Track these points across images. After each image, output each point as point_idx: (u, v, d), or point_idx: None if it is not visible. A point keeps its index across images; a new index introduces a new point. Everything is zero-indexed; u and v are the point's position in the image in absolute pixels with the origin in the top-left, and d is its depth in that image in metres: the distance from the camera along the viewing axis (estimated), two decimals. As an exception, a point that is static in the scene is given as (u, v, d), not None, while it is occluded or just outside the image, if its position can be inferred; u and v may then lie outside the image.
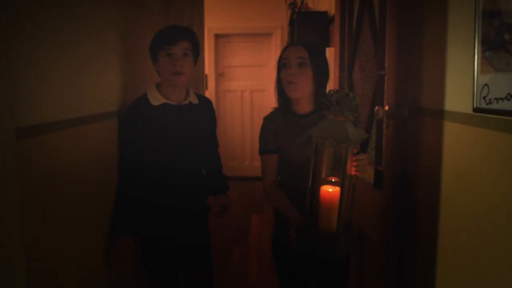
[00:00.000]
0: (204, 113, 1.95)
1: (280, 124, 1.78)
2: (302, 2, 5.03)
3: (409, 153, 1.90)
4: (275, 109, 1.85)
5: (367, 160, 1.61)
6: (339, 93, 1.49)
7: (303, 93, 1.71)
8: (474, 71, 1.30)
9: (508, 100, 1.15)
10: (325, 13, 4.19)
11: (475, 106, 1.31)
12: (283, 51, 1.76)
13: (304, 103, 1.76)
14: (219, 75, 5.90)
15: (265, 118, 1.84)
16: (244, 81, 5.95)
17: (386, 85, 1.95)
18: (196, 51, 1.84)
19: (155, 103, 1.78)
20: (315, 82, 1.70)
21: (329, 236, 1.50)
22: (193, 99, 1.90)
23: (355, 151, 1.54)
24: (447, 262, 1.53)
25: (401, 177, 1.94)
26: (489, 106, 1.23)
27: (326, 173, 1.56)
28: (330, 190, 1.53)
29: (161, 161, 1.81)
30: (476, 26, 1.28)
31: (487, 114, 1.25)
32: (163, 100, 1.79)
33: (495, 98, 1.21)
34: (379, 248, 2.09)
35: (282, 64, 1.72)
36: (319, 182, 1.56)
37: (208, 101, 2.03)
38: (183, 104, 1.85)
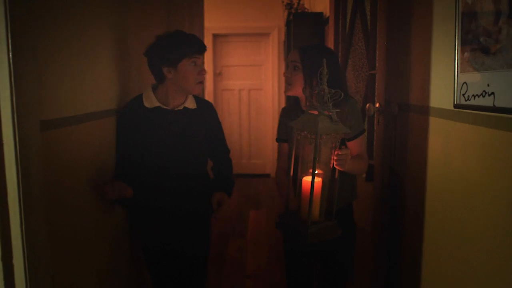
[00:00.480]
0: (201, 119, 1.92)
1: (290, 117, 1.90)
2: (298, 3, 5.14)
3: (398, 147, 2.02)
4: (287, 104, 2.04)
5: (349, 156, 1.66)
6: (315, 89, 1.58)
7: (297, 92, 1.84)
8: (455, 71, 1.42)
9: (483, 96, 1.27)
10: (321, 14, 4.29)
11: (455, 103, 1.43)
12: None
13: (304, 101, 1.87)
14: (217, 74, 6.00)
15: (282, 109, 2.03)
16: (241, 80, 6.05)
17: (377, 83, 2.07)
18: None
19: (148, 105, 1.80)
20: (307, 83, 1.82)
21: (303, 224, 1.58)
22: (190, 104, 1.88)
23: (335, 151, 1.62)
24: (432, 247, 1.65)
25: (391, 169, 2.07)
26: (468, 102, 1.36)
27: (314, 166, 1.61)
28: (308, 179, 1.59)
29: (150, 163, 1.83)
30: (457, 30, 1.40)
31: (466, 110, 1.37)
32: (157, 104, 1.81)
33: (473, 95, 1.33)
34: (372, 238, 2.21)
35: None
36: (303, 172, 1.64)
37: (207, 106, 1.99)
38: (176, 109, 1.84)
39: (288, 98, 2.01)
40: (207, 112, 1.96)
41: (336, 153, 1.62)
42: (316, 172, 1.58)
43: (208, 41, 5.73)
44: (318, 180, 1.59)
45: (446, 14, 1.51)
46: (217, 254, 3.41)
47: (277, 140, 2.01)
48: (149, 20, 2.42)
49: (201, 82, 1.82)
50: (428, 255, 1.69)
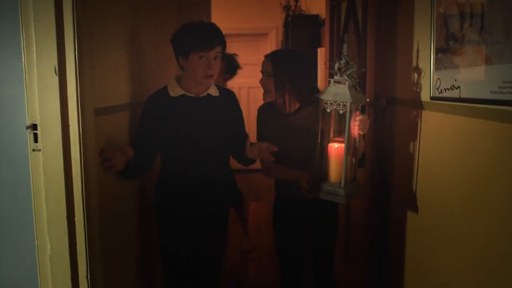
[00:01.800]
0: (223, 104, 1.96)
1: (269, 119, 2.08)
2: (296, 5, 5.39)
3: (387, 135, 2.29)
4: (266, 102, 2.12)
5: (367, 120, 1.78)
6: (339, 62, 1.73)
7: (273, 98, 2.01)
8: (431, 68, 1.70)
9: (452, 89, 1.54)
10: (317, 16, 4.53)
11: (431, 95, 1.70)
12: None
13: (283, 105, 2.02)
14: (218, 73, 6.25)
15: (260, 110, 2.15)
16: (241, 78, 6.20)
17: (367, 80, 2.34)
18: (224, 50, 1.87)
19: (173, 94, 1.85)
20: (279, 88, 1.98)
21: (337, 185, 1.75)
22: (213, 92, 1.93)
23: (357, 113, 1.75)
24: (418, 222, 1.93)
25: (380, 156, 2.34)
26: (441, 95, 1.63)
27: (334, 134, 1.82)
28: (336, 146, 1.78)
29: (175, 151, 1.88)
30: (432, 34, 1.68)
31: (439, 101, 1.65)
32: (181, 92, 1.85)
33: (444, 89, 1.60)
34: (363, 220, 2.48)
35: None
36: (327, 140, 1.82)
37: (229, 94, 2.04)
38: (200, 96, 1.89)
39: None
40: (230, 100, 2.01)
41: (358, 118, 1.75)
42: (339, 140, 1.76)
43: (209, 41, 5.96)
44: (342, 146, 1.76)
45: (424, 21, 1.79)
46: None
47: (261, 139, 2.05)
48: (162, 19, 2.61)
49: (210, 76, 1.81)
50: (413, 230, 1.96)
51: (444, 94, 1.60)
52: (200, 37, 1.75)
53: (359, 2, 2.47)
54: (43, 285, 1.34)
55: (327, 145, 1.82)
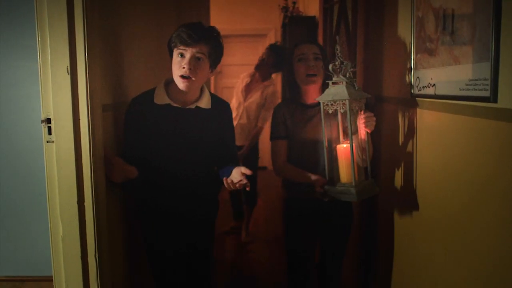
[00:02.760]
0: (213, 119, 1.79)
1: (290, 112, 2.01)
2: (293, 7, 5.52)
3: (376, 130, 2.43)
4: (283, 100, 2.13)
5: (373, 117, 1.78)
6: (333, 63, 1.76)
7: (319, 82, 1.97)
8: (411, 68, 1.84)
9: (429, 87, 1.68)
10: (314, 17, 4.64)
11: (412, 93, 1.84)
12: (297, 48, 2.00)
13: (313, 93, 1.98)
14: (218, 73, 6.37)
15: (278, 106, 2.07)
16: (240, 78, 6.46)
17: (357, 79, 2.48)
18: (214, 55, 1.69)
19: (158, 101, 1.69)
20: (326, 73, 1.91)
21: (348, 184, 1.78)
22: (204, 104, 1.75)
23: (361, 112, 1.77)
24: (403, 211, 2.07)
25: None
26: (419, 92, 1.77)
27: (351, 128, 1.76)
28: (344, 146, 1.80)
29: (155, 160, 1.73)
30: (412, 37, 1.82)
31: (419, 98, 1.79)
32: (167, 101, 1.70)
33: (423, 86, 1.74)
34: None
35: (298, 59, 1.97)
36: (334, 142, 1.85)
37: (222, 106, 1.85)
38: (187, 107, 1.72)
39: (285, 93, 2.12)
40: (221, 115, 1.83)
41: (363, 116, 1.77)
42: (346, 140, 1.78)
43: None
44: (349, 146, 1.77)
45: (406, 24, 1.93)
46: (221, 230, 3.82)
47: (276, 137, 2.00)
48: (162, 20, 2.70)
49: (185, 78, 1.63)
50: (399, 218, 2.11)
51: (422, 92, 1.74)
52: (181, 33, 1.62)
53: (349, 5, 2.61)
54: (55, 263, 1.48)
55: (336, 147, 1.84)
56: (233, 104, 3.60)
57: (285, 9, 5.52)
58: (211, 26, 1.74)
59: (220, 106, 1.83)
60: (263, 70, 3.47)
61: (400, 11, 2.02)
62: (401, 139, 2.04)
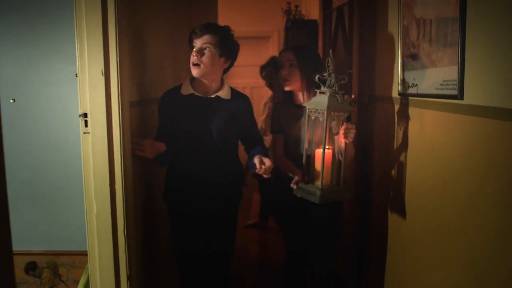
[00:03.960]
0: (233, 109, 2.00)
1: (283, 112, 2.17)
2: (296, 10, 5.74)
3: (369, 127, 2.67)
4: (278, 100, 2.32)
5: (354, 130, 1.87)
6: (320, 74, 1.86)
7: (293, 87, 2.12)
8: (398, 70, 2.08)
9: (412, 87, 1.92)
10: (315, 21, 4.82)
11: (399, 92, 2.08)
12: (279, 54, 2.20)
13: (299, 95, 2.15)
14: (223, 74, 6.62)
15: (275, 105, 2.26)
16: (245, 78, 6.62)
17: (353, 80, 2.72)
18: (223, 45, 1.91)
19: (184, 92, 1.96)
20: (303, 77, 2.08)
21: (316, 187, 1.88)
22: (224, 94, 1.98)
23: (342, 126, 1.85)
24: (396, 211, 2.31)
25: (363, 146, 2.72)
26: (405, 91, 2.01)
27: (325, 137, 1.84)
28: (321, 151, 1.86)
29: (182, 147, 1.97)
30: (398, 43, 2.06)
31: (404, 97, 2.03)
32: (191, 91, 1.95)
33: (407, 86, 1.98)
34: (348, 210, 2.85)
35: (279, 65, 2.16)
36: (315, 146, 1.95)
37: (242, 98, 2.06)
38: (208, 97, 1.97)
39: (280, 94, 2.33)
40: (240, 105, 2.03)
41: (343, 127, 1.86)
42: (327, 147, 1.85)
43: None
44: (328, 151, 1.88)
45: (394, 31, 2.17)
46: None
47: (274, 132, 2.19)
48: (174, 22, 2.90)
49: (195, 65, 1.89)
50: (392, 217, 2.34)
51: (407, 91, 1.99)
52: (194, 29, 1.92)
53: (346, 12, 2.86)
54: (90, 238, 1.73)
55: (315, 150, 1.94)
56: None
57: (288, 12, 5.71)
58: (224, 25, 1.98)
59: (240, 97, 2.06)
60: (276, 86, 3.53)
61: (389, 20, 2.26)
62: (393, 135, 2.27)
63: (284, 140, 2.18)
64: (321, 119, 1.82)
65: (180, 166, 2.00)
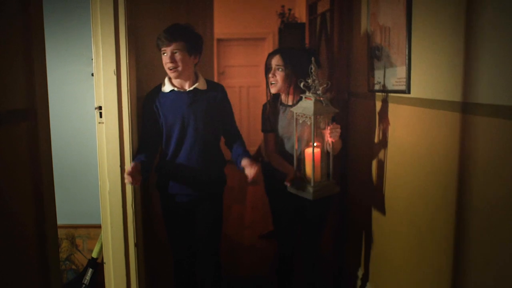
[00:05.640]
0: (210, 97, 2.13)
1: (273, 111, 2.27)
2: (289, 14, 6.06)
3: (350, 121, 3.00)
4: (269, 100, 2.32)
5: (339, 130, 1.96)
6: (305, 81, 1.95)
7: (279, 90, 2.20)
8: (367, 70, 2.40)
9: (377, 84, 2.25)
10: (305, 24, 5.20)
11: (368, 89, 2.41)
12: (267, 58, 2.27)
13: (286, 97, 2.24)
14: (221, 74, 6.78)
15: (264, 105, 2.32)
16: (242, 78, 6.85)
17: (333, 78, 3.05)
18: (190, 46, 2.02)
19: (165, 90, 2.09)
20: (286, 81, 2.15)
21: (308, 183, 1.98)
22: (201, 86, 2.11)
23: (328, 126, 1.94)
24: (375, 197, 2.63)
25: (344, 140, 3.03)
26: (373, 88, 2.34)
27: (313, 140, 1.92)
28: (310, 150, 1.95)
29: (169, 138, 2.08)
30: (368, 45, 2.38)
31: (372, 92, 2.35)
32: (171, 88, 2.08)
33: (374, 83, 2.31)
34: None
35: (266, 69, 2.27)
36: (304, 146, 2.06)
37: (217, 87, 2.20)
38: (187, 90, 2.09)
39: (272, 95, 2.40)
40: (216, 94, 2.17)
41: (329, 128, 1.95)
42: (315, 144, 1.94)
43: (212, 45, 6.62)
44: (317, 150, 1.97)
45: (364, 35, 2.49)
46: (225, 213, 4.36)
47: (264, 131, 2.28)
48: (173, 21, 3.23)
49: (172, 69, 2.01)
50: (376, 204, 2.67)
51: (375, 87, 2.31)
52: (160, 37, 2.02)
53: (329, 18, 3.18)
54: (103, 211, 2.06)
55: (304, 150, 2.04)
56: None
57: (282, 15, 6.02)
58: (185, 25, 2.09)
59: (215, 87, 2.20)
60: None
61: (362, 25, 2.59)
62: (365, 123, 2.60)
63: (275, 137, 2.28)
64: (308, 123, 1.93)
65: (168, 155, 2.11)
